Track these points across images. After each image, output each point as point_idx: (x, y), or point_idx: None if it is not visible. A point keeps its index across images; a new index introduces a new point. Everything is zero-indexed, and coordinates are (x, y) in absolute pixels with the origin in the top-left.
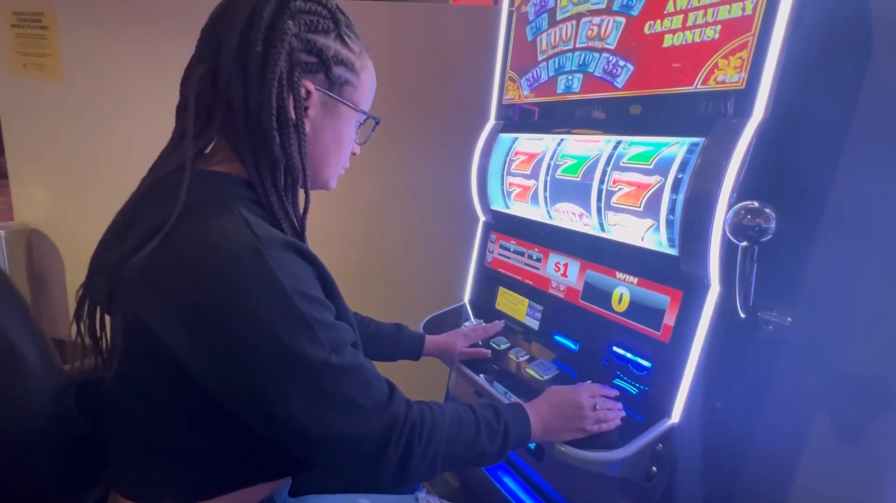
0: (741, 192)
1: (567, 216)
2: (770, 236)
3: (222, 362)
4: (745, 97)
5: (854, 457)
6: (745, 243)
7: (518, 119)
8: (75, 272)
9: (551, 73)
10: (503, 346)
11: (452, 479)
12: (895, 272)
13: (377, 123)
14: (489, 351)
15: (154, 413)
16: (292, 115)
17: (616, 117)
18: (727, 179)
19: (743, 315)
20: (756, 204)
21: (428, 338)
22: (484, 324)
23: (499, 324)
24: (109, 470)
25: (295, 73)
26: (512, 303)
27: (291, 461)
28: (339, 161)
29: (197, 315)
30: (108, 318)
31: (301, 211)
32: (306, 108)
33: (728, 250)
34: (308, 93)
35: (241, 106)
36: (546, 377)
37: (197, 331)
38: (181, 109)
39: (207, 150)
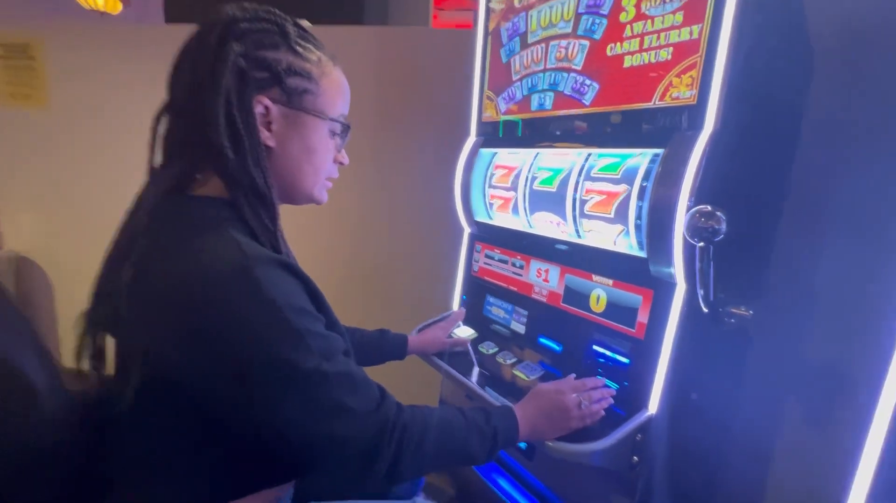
0: (698, 197)
1: (546, 224)
2: (722, 236)
3: (218, 377)
4: (697, 111)
5: (820, 439)
6: (701, 243)
7: (497, 135)
8: (65, 298)
9: (525, 92)
10: (492, 351)
11: (448, 486)
12: (847, 265)
13: (348, 128)
14: (468, 339)
15: (158, 429)
16: (243, 130)
17: (585, 131)
18: (685, 186)
19: (705, 309)
20: (709, 207)
21: (410, 337)
22: (454, 314)
23: (462, 311)
24: (116, 487)
25: (247, 91)
26: (499, 309)
27: (289, 468)
28: (317, 171)
29: (193, 334)
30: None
31: (275, 225)
32: (269, 124)
33: (689, 251)
34: (266, 108)
35: (199, 130)
36: (532, 377)
37: (193, 349)
38: (162, 145)
39: (199, 176)
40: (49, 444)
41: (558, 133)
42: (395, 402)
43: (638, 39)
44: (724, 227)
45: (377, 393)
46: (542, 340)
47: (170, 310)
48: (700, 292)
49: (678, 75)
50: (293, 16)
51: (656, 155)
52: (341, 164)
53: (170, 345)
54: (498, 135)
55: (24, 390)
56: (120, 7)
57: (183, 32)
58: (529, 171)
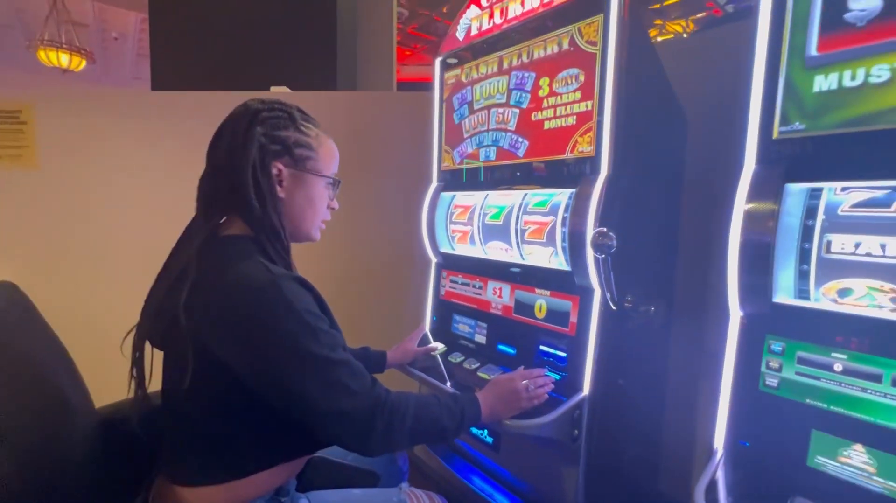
0: (602, 223)
1: (497, 251)
2: (614, 250)
3: (259, 363)
4: (595, 161)
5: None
6: (602, 256)
7: (454, 180)
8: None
9: (474, 147)
10: (459, 360)
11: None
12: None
13: (339, 182)
14: (435, 347)
15: (207, 412)
16: (265, 187)
17: (521, 177)
18: (590, 215)
19: (614, 307)
20: (604, 229)
21: (389, 352)
22: (417, 329)
23: (422, 326)
24: (163, 463)
25: (266, 159)
26: (464, 325)
27: (305, 445)
28: (315, 217)
29: (240, 332)
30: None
31: (288, 255)
32: (281, 182)
33: (596, 263)
34: (279, 171)
35: (233, 188)
36: (493, 377)
37: (240, 343)
38: (199, 199)
39: (222, 222)
40: (80, 457)
41: (502, 178)
42: (384, 387)
43: (552, 109)
44: (614, 242)
45: (370, 379)
46: (500, 347)
47: (221, 316)
48: (606, 295)
49: (581, 135)
50: (277, 84)
51: (572, 193)
52: (333, 209)
53: (220, 341)
54: (455, 181)
55: (61, 407)
56: (84, 64)
57: (167, 99)
58: (482, 208)
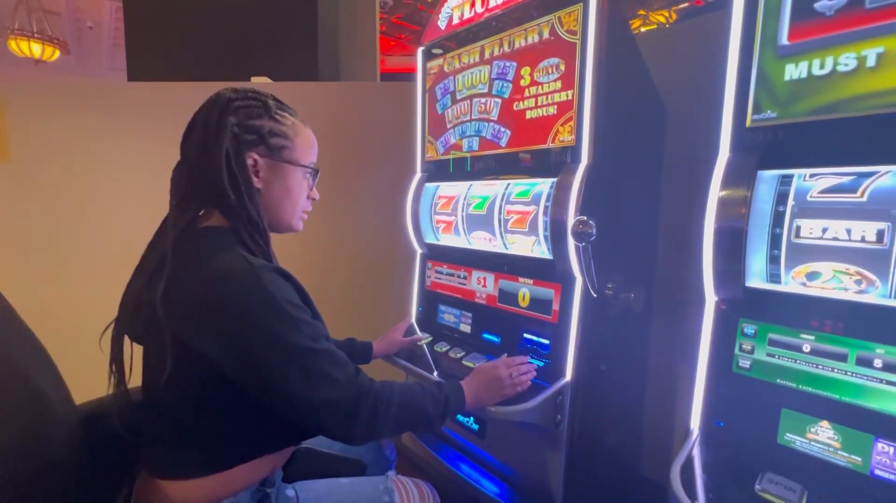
0: (583, 211)
1: (481, 241)
2: (594, 238)
3: (240, 355)
4: (576, 150)
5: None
6: (583, 244)
7: (437, 171)
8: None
9: (457, 137)
10: (444, 349)
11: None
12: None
13: (317, 172)
14: (422, 337)
15: (188, 405)
16: (241, 178)
17: (504, 167)
18: (571, 204)
19: (594, 294)
20: (584, 218)
21: (374, 343)
22: (403, 321)
23: (408, 319)
24: (145, 457)
25: (241, 149)
26: (450, 315)
27: (289, 435)
28: (294, 207)
29: (220, 324)
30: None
31: (268, 246)
32: (257, 173)
33: (577, 251)
34: (255, 161)
35: (207, 180)
36: (477, 365)
37: (220, 335)
38: (173, 191)
39: (202, 213)
40: (62, 454)
41: (485, 168)
42: (368, 377)
43: (534, 99)
44: (594, 231)
45: (353, 368)
46: (485, 335)
47: (199, 308)
48: (587, 281)
49: (562, 125)
50: (258, 74)
51: (554, 182)
52: (314, 199)
53: (200, 333)
54: (439, 171)
55: (45, 408)
56: (57, 54)
57: (144, 89)
58: (465, 199)
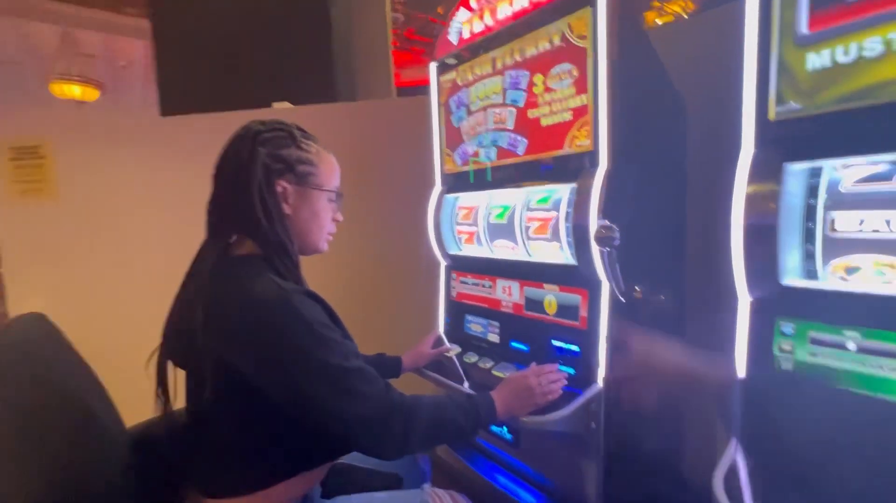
0: (604, 215)
1: (503, 250)
2: (617, 242)
3: (275, 375)
4: (594, 154)
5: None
6: (606, 249)
7: (457, 183)
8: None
9: (474, 148)
10: (474, 359)
11: (451, 483)
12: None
13: (341, 195)
14: (450, 348)
15: (230, 426)
16: (272, 205)
17: (522, 175)
18: (592, 208)
19: (622, 299)
20: (607, 222)
21: (403, 357)
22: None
23: (436, 330)
24: (193, 477)
25: (271, 177)
26: (476, 325)
27: (326, 452)
28: (321, 230)
29: (255, 346)
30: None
31: (297, 269)
32: (286, 199)
33: (601, 256)
34: (284, 189)
35: (241, 208)
36: (507, 375)
37: (256, 358)
38: (209, 221)
39: (233, 242)
40: (114, 476)
41: (504, 177)
42: (398, 392)
43: (548, 105)
44: (617, 235)
45: (383, 384)
46: (513, 344)
47: (236, 333)
48: (613, 286)
49: (578, 129)
50: (278, 99)
51: (573, 188)
52: (338, 221)
53: (238, 356)
54: (458, 182)
55: (98, 431)
56: (97, 95)
57: (176, 124)
58: (486, 209)
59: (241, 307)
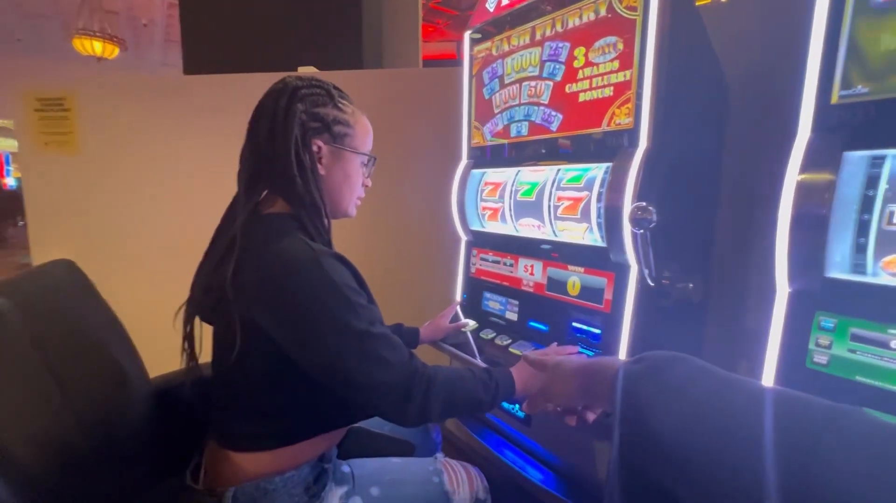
0: (640, 197)
1: (528, 228)
2: (653, 224)
3: (301, 336)
4: (634, 133)
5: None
6: (641, 231)
7: (484, 157)
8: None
9: (505, 122)
10: (491, 335)
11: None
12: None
13: (374, 159)
14: (466, 323)
15: (255, 383)
16: (307, 164)
17: (554, 152)
18: (628, 189)
19: (652, 284)
20: (644, 203)
21: (421, 328)
22: (449, 307)
23: (454, 304)
24: (214, 429)
25: (307, 136)
26: (495, 302)
27: (345, 415)
28: (352, 193)
29: (284, 305)
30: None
31: (328, 232)
32: (320, 159)
33: (634, 239)
34: (319, 148)
35: (276, 165)
36: (525, 352)
37: (284, 317)
38: (241, 176)
39: (263, 199)
40: (137, 423)
41: (534, 154)
42: (420, 361)
43: (588, 80)
44: (654, 217)
45: (407, 352)
46: (532, 323)
47: (265, 291)
48: (645, 270)
49: (619, 107)
50: (303, 64)
51: (608, 167)
52: (367, 186)
53: (265, 315)
54: (485, 157)
55: (122, 380)
56: (117, 52)
57: (199, 83)
58: (513, 185)
59: (269, 266)
